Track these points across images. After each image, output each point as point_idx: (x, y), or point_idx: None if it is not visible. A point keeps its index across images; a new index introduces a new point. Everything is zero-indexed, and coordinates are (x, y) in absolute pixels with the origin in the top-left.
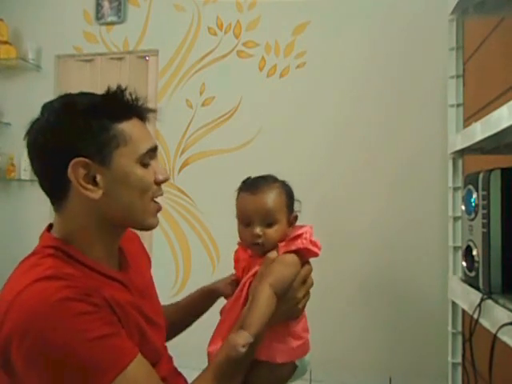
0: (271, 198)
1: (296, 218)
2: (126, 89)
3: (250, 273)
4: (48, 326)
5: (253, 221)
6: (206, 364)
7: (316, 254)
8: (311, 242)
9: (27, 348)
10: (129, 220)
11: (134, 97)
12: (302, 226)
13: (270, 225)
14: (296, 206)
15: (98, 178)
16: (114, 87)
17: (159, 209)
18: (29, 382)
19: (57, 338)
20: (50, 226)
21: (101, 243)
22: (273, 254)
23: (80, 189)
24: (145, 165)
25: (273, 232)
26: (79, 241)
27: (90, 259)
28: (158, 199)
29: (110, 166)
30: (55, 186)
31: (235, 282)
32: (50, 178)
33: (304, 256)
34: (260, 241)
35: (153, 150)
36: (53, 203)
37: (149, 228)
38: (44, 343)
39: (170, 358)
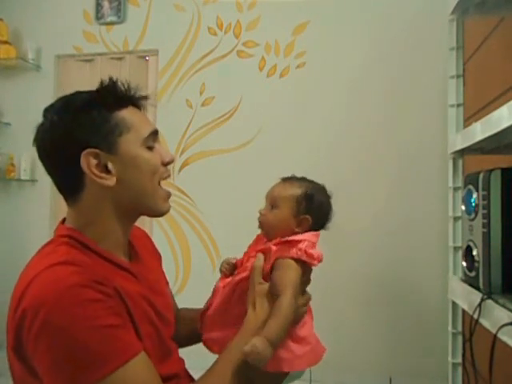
0: (286, 186)
1: (305, 220)
2: (117, 80)
3: (242, 275)
4: (56, 309)
5: (266, 202)
6: (205, 363)
7: (312, 265)
8: (306, 253)
9: (37, 328)
10: (141, 205)
11: (126, 86)
12: (305, 232)
13: (272, 208)
14: (318, 219)
15: (110, 165)
16: (106, 80)
17: (169, 194)
18: (36, 364)
19: (63, 321)
20: (64, 220)
21: (113, 234)
22: (259, 262)
23: (95, 178)
24: (150, 148)
25: (271, 214)
26: (92, 231)
27: (101, 248)
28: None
29: (118, 152)
30: (69, 182)
31: (234, 264)
32: (63, 175)
33: (304, 264)
34: (260, 219)
35: (154, 134)
36: (67, 199)
37: (161, 213)
38: (51, 325)
39: (182, 360)
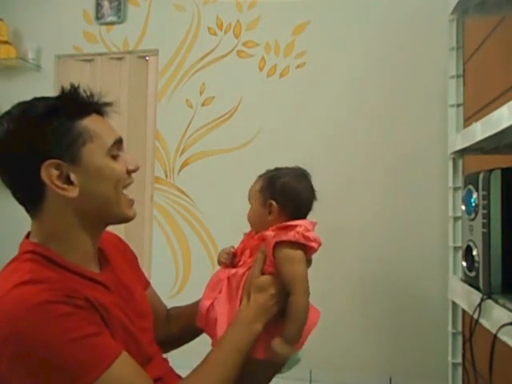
0: (256, 182)
1: (270, 205)
2: (79, 87)
3: (243, 269)
4: (29, 329)
5: None
6: (192, 362)
7: (313, 249)
8: (304, 236)
9: (10, 352)
10: (106, 214)
11: (88, 93)
12: (301, 219)
13: (251, 206)
14: (281, 196)
15: (72, 176)
16: (67, 87)
17: (133, 202)
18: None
19: (39, 341)
20: (29, 234)
21: (80, 244)
22: (262, 254)
23: (56, 190)
24: (114, 156)
25: (249, 212)
26: (58, 243)
27: (69, 261)
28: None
29: (81, 163)
30: (30, 193)
31: (232, 254)
32: (23, 186)
33: (307, 252)
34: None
35: (119, 142)
36: (28, 211)
37: (126, 219)
38: (26, 347)
39: (165, 360)
